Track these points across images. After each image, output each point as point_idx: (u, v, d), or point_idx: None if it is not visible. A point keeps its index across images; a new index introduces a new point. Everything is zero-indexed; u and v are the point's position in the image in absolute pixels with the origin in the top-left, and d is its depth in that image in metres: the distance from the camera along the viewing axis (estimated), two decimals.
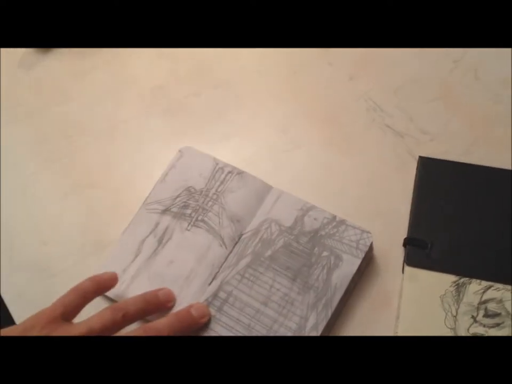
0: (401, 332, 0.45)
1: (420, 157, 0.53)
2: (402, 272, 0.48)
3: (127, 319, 0.44)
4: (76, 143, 0.60)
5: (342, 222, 0.49)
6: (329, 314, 0.45)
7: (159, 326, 0.44)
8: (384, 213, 0.52)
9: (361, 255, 0.47)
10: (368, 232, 0.48)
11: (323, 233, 0.49)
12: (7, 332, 0.41)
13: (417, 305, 0.46)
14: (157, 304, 0.47)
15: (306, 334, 0.45)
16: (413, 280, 0.47)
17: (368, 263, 0.50)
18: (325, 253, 0.48)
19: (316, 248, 0.48)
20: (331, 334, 0.47)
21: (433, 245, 0.48)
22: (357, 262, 0.47)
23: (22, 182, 0.58)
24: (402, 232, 0.50)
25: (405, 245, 0.49)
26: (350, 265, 0.47)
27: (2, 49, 0.67)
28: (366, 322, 0.48)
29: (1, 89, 0.64)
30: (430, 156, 0.53)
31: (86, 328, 0.41)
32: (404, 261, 0.48)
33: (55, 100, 0.63)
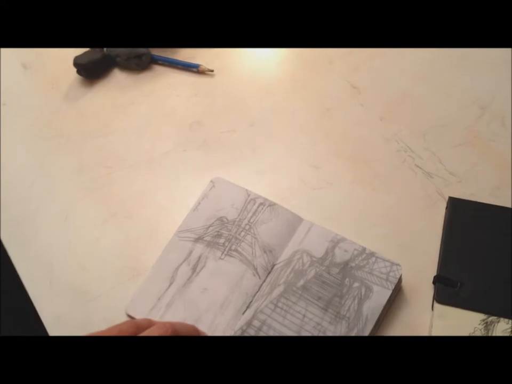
0: None
1: (450, 198, 0.54)
2: (432, 309, 0.49)
3: None
4: (115, 173, 0.62)
5: (372, 254, 0.50)
6: None
7: None
8: (413, 249, 0.53)
9: (391, 286, 0.48)
10: (397, 264, 0.49)
11: (353, 264, 0.50)
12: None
13: None
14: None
15: None
16: (443, 317, 0.48)
17: (396, 295, 0.51)
18: (355, 284, 0.49)
19: (347, 279, 0.49)
20: None
21: (462, 283, 0.49)
22: (387, 294, 0.48)
23: (62, 208, 0.60)
24: (431, 268, 0.51)
25: (434, 282, 0.50)
26: (380, 297, 0.48)
27: (49, 82, 0.71)
28: None
29: (46, 120, 0.68)
30: (458, 197, 0.54)
31: None
32: (434, 298, 0.49)
33: (96, 132, 0.66)
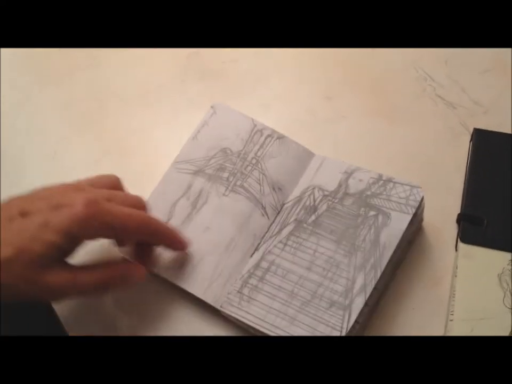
0: (458, 312, 0.42)
1: (475, 129, 0.50)
2: (456, 250, 0.46)
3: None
4: (107, 108, 0.58)
5: (389, 180, 0.45)
6: (378, 275, 0.42)
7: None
8: (434, 186, 0.49)
9: (412, 210, 0.44)
10: (418, 187, 0.45)
11: (369, 193, 0.45)
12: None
13: (474, 284, 0.43)
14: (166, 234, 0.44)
15: (354, 296, 0.41)
16: (468, 257, 0.44)
17: (418, 233, 0.47)
18: (371, 213, 0.44)
19: (362, 209, 0.45)
20: (380, 306, 0.44)
21: (489, 221, 0.45)
22: (407, 218, 0.43)
23: (51, 147, 0.56)
24: (454, 206, 0.48)
25: (458, 221, 0.47)
26: (399, 222, 0.43)
27: None
28: (416, 301, 0.45)
29: (29, 50, 0.62)
30: (484, 128, 0.50)
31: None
32: (458, 238, 0.45)
33: (85, 64, 0.61)
